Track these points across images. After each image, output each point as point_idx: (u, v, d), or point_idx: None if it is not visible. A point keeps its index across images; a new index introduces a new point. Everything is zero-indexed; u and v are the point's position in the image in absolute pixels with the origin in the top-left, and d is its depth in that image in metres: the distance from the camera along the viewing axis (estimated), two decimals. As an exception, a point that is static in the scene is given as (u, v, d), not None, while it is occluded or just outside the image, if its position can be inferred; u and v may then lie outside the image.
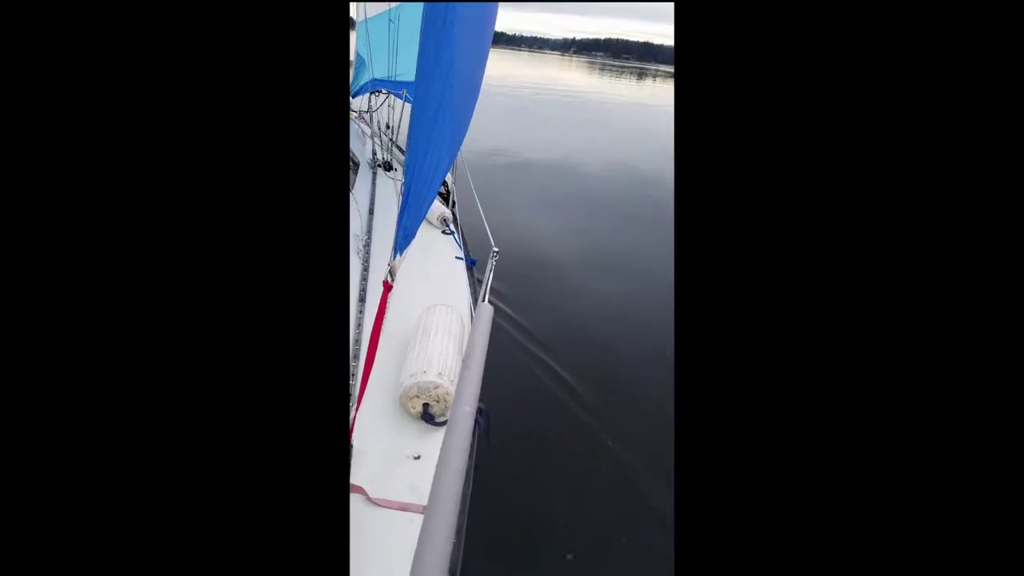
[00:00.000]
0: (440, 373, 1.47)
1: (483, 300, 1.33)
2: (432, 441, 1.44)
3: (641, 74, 72.16)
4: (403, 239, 1.21)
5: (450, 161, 1.30)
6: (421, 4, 1.15)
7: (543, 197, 6.63)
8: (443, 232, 2.80)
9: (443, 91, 1.17)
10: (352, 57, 4.13)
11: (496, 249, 1.94)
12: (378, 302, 1.21)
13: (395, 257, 1.21)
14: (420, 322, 1.75)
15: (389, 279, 1.21)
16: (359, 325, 1.78)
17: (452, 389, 1.44)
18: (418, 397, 1.46)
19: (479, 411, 0.99)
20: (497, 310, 3.31)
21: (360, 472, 1.32)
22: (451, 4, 1.11)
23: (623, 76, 55.77)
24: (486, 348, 1.09)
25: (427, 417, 1.47)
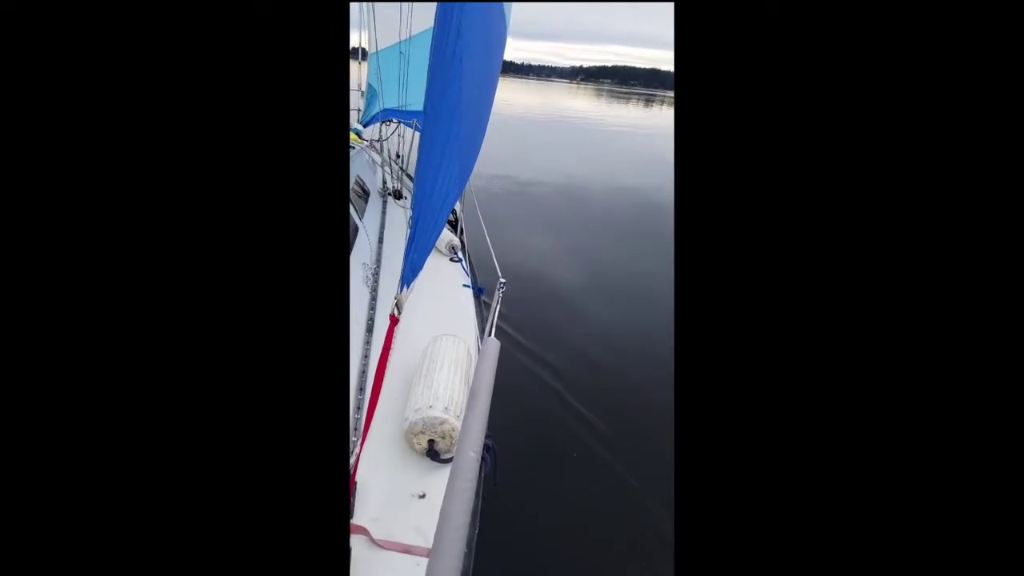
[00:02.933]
0: (446, 408, 1.44)
1: (489, 334, 1.30)
2: (438, 479, 1.40)
3: (648, 100, 73.08)
4: (410, 272, 1.19)
5: (458, 194, 1.29)
6: (430, 37, 1.15)
7: (548, 220, 6.67)
8: (451, 260, 2.80)
9: (451, 124, 1.16)
10: (363, 88, 4.23)
11: (503, 280, 1.92)
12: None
13: (402, 290, 1.19)
14: (426, 353, 1.72)
15: (396, 312, 1.18)
16: (366, 356, 1.75)
17: (458, 425, 1.40)
18: (423, 433, 1.43)
19: (486, 448, 0.95)
20: (503, 334, 3.28)
21: (364, 511, 1.28)
22: (459, 38, 1.11)
23: (630, 103, 56.48)
24: (492, 384, 1.06)
25: (432, 454, 1.43)
